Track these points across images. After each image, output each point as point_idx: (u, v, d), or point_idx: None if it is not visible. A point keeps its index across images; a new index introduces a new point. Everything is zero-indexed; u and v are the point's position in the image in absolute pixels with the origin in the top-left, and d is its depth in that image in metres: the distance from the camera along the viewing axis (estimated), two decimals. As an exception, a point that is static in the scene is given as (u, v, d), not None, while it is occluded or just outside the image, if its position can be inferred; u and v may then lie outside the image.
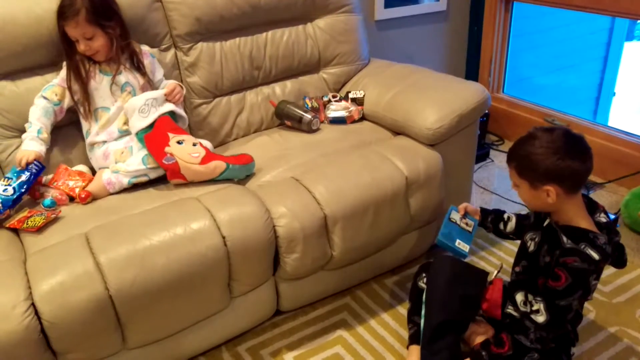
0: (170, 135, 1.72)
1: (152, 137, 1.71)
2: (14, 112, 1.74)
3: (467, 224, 1.67)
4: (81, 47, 1.70)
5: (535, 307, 1.40)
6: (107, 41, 1.73)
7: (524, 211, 1.71)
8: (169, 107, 1.79)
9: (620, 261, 1.47)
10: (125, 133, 1.79)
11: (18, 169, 1.64)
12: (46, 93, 1.73)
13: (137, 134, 1.73)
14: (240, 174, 1.80)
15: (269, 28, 2.17)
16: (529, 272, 1.53)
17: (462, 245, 1.61)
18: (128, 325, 1.46)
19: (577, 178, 1.37)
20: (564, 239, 1.39)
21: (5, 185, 1.61)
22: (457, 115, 1.89)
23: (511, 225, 1.68)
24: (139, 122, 1.73)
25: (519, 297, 1.51)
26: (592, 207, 1.46)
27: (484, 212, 1.72)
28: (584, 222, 1.41)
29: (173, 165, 1.67)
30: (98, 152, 1.78)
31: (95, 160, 1.80)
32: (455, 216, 1.68)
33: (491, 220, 1.70)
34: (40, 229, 1.54)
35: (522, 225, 1.66)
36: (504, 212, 1.71)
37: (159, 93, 1.79)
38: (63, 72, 1.76)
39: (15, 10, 1.69)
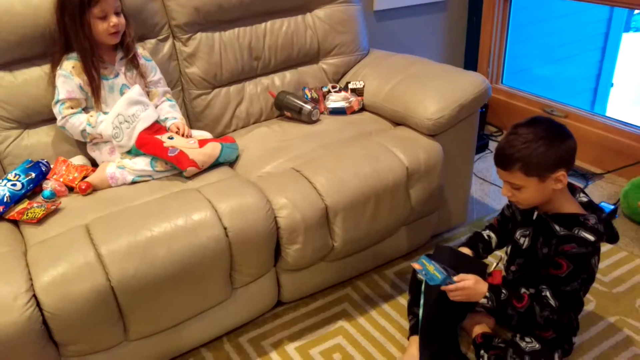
0: (158, 136, 1.74)
1: (145, 146, 1.70)
2: (12, 103, 1.73)
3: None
4: (113, 20, 1.67)
5: (543, 294, 1.41)
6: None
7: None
8: (142, 124, 1.73)
9: (612, 236, 1.48)
10: None
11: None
12: (65, 112, 1.71)
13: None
14: (232, 153, 1.85)
15: (268, 18, 2.15)
16: (526, 268, 1.54)
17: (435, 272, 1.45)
18: (129, 317, 1.46)
19: (574, 155, 1.40)
20: (557, 227, 1.41)
21: (14, 180, 1.61)
22: (458, 106, 1.89)
23: (494, 241, 1.66)
24: (122, 148, 1.72)
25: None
26: (571, 190, 1.48)
27: (471, 247, 1.65)
28: (571, 206, 1.43)
29: (179, 155, 1.67)
30: (104, 147, 1.77)
31: (100, 154, 1.78)
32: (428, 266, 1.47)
33: (482, 249, 1.66)
34: (40, 221, 1.53)
35: (505, 232, 1.65)
36: (481, 235, 1.67)
37: (120, 107, 1.72)
38: (63, 85, 1.71)
39: (13, 1, 1.67)
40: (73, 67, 1.70)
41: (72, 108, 1.73)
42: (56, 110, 1.73)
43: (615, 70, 4.12)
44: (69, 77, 1.70)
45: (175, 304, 1.53)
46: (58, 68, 1.71)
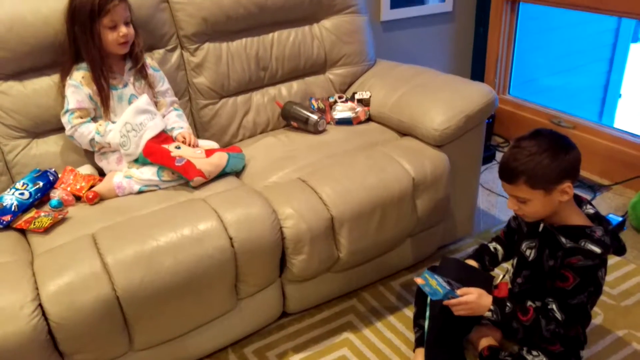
0: (165, 146, 1.74)
1: (152, 154, 1.70)
2: (20, 112, 1.74)
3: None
4: (123, 30, 1.69)
5: (549, 307, 1.40)
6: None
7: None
8: (150, 133, 1.73)
9: (619, 248, 1.47)
10: None
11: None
12: (74, 121, 1.72)
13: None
14: (239, 163, 1.85)
15: (275, 29, 2.17)
16: (532, 281, 1.53)
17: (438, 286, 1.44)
18: (135, 327, 1.46)
19: (579, 166, 1.39)
20: (563, 239, 1.40)
21: (22, 189, 1.62)
22: (464, 116, 1.88)
23: (501, 253, 1.66)
24: (130, 157, 1.73)
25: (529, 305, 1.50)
26: (578, 202, 1.47)
27: (478, 259, 1.65)
28: (578, 218, 1.42)
29: (187, 164, 1.67)
30: (111, 157, 1.78)
31: (107, 163, 1.79)
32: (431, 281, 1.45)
33: (489, 262, 1.65)
34: (47, 230, 1.54)
35: (511, 244, 1.64)
36: (487, 247, 1.66)
37: (127, 116, 1.72)
38: (73, 95, 1.72)
39: (23, 10, 1.69)
40: (83, 77, 1.72)
41: (81, 118, 1.74)
42: (65, 119, 1.74)
43: (623, 81, 4.10)
44: (78, 87, 1.72)
45: (181, 314, 1.53)
46: (68, 78, 1.73)
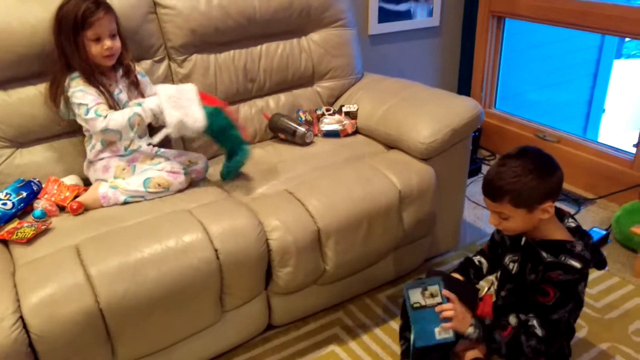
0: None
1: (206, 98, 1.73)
2: (5, 122, 1.72)
3: (432, 295, 1.44)
4: (107, 43, 1.67)
5: (530, 323, 1.40)
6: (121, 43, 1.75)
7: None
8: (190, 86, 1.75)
9: (600, 262, 1.48)
10: (130, 153, 1.76)
11: None
12: (103, 112, 1.67)
13: None
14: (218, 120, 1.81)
15: (263, 41, 2.18)
16: (516, 294, 1.53)
17: (443, 333, 1.42)
18: (118, 339, 1.44)
19: (562, 185, 1.41)
20: (543, 254, 1.41)
21: (5, 199, 1.60)
22: (451, 130, 1.90)
23: (485, 267, 1.66)
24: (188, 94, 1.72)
25: (512, 320, 1.50)
26: (560, 215, 1.48)
27: (463, 273, 1.64)
28: (558, 232, 1.43)
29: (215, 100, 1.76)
30: (98, 164, 1.77)
31: (94, 171, 1.78)
32: (415, 295, 1.44)
33: (474, 275, 1.65)
34: (29, 240, 1.52)
35: (495, 257, 1.65)
36: (472, 261, 1.67)
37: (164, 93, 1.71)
38: (85, 96, 1.68)
39: (10, 20, 1.68)
40: (84, 81, 1.70)
41: (106, 110, 1.69)
42: (91, 115, 1.66)
43: (607, 96, 4.17)
44: (84, 89, 1.69)
45: (165, 327, 1.51)
46: (66, 91, 1.70)
